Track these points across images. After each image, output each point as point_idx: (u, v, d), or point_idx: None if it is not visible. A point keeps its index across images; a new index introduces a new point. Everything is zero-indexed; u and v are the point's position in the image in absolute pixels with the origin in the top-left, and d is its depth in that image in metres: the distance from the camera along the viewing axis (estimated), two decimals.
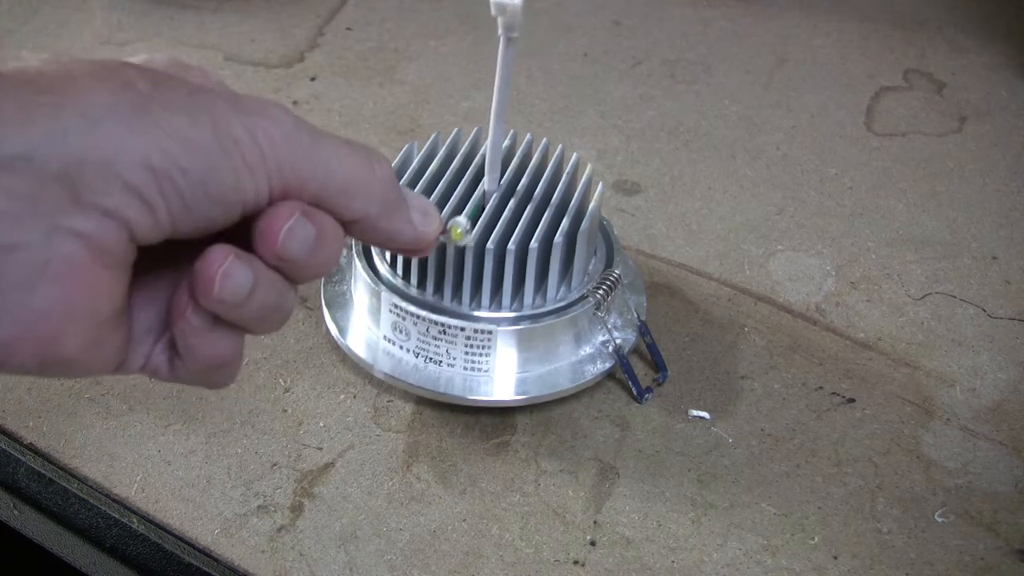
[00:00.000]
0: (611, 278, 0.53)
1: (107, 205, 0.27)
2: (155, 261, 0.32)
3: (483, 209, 0.51)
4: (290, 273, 0.31)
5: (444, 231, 0.44)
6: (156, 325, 0.32)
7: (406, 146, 0.55)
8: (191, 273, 0.30)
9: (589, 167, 0.54)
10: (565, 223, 0.51)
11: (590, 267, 0.54)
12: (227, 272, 0.30)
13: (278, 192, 0.30)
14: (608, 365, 0.53)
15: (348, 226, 0.33)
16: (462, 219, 0.45)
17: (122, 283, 0.29)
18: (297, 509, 0.48)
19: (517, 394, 0.51)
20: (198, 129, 0.28)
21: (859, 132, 0.74)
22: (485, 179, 0.51)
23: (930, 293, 0.61)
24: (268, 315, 0.32)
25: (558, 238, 0.50)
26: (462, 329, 0.50)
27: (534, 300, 0.51)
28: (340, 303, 0.55)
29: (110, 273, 0.28)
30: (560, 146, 0.55)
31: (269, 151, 0.30)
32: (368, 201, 0.33)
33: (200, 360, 0.32)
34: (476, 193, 0.52)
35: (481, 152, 0.53)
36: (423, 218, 0.36)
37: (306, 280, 0.32)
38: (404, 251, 0.37)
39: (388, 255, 0.53)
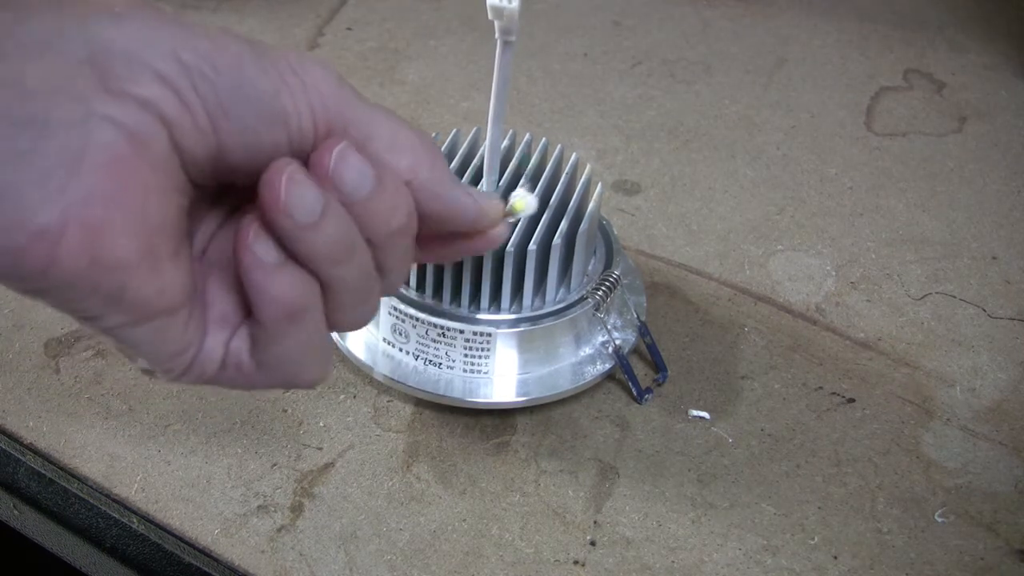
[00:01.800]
0: (610, 279, 0.53)
1: (139, 93, 0.26)
2: (227, 246, 0.31)
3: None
4: (356, 216, 0.29)
5: (507, 211, 0.38)
6: (232, 314, 0.30)
7: None
8: (258, 189, 0.28)
9: (588, 167, 0.54)
10: (564, 225, 0.51)
11: (589, 268, 0.54)
12: (293, 177, 0.27)
13: (322, 128, 0.29)
14: (608, 366, 0.53)
15: None
16: (521, 190, 0.39)
17: (172, 194, 0.28)
18: (297, 509, 0.48)
19: (517, 396, 0.51)
20: (233, 39, 0.27)
21: (859, 132, 0.74)
22: (483, 181, 0.51)
23: (930, 293, 0.61)
24: (343, 262, 0.29)
25: (556, 240, 0.50)
26: (461, 331, 0.50)
27: (533, 302, 0.51)
28: None
29: (155, 175, 0.27)
30: (559, 146, 0.55)
31: (311, 84, 0.28)
32: (418, 158, 0.31)
33: (271, 305, 0.29)
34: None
35: (480, 153, 0.53)
36: (481, 195, 0.33)
37: (381, 240, 0.30)
38: (467, 237, 0.34)
39: None
